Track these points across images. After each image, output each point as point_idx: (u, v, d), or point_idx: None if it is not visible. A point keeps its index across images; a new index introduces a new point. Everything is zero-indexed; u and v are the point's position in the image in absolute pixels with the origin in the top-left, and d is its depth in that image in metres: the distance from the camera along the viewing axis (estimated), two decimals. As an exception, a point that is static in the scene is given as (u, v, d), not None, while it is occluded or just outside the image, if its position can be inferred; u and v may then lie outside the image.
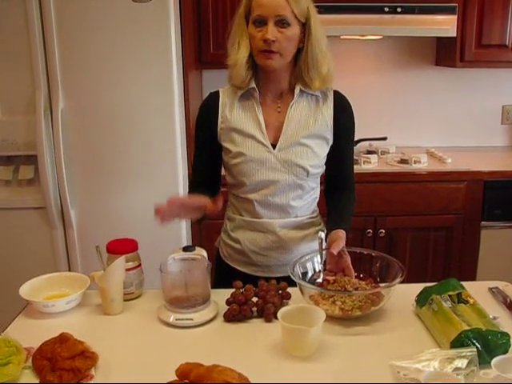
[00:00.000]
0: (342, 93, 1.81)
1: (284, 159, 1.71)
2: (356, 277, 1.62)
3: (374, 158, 3.18)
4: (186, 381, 1.16)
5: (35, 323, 1.54)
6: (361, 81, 3.61)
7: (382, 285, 1.59)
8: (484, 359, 1.24)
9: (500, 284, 1.71)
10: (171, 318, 1.50)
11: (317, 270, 1.68)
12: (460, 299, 1.44)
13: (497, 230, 3.13)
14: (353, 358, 1.34)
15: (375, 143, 3.48)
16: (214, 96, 1.79)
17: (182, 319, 1.49)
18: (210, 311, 1.53)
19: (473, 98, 3.67)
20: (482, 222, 3.12)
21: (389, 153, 3.39)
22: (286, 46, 1.63)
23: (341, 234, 1.65)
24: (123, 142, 2.76)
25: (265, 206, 1.75)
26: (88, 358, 1.27)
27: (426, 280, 1.64)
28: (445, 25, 3.07)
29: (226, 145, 1.75)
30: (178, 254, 1.62)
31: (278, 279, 1.66)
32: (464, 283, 1.54)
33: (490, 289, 1.68)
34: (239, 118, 1.73)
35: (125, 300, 1.61)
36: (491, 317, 1.39)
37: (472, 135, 3.71)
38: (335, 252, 1.57)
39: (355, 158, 3.11)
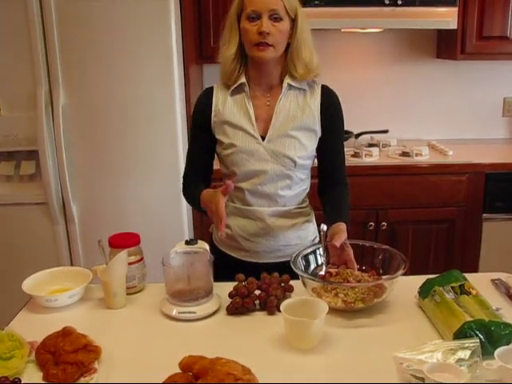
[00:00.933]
0: (331, 87, 1.87)
1: (272, 150, 1.77)
2: (358, 269, 1.63)
3: (375, 150, 3.17)
4: (190, 373, 1.16)
5: (38, 317, 1.54)
6: (361, 74, 3.60)
7: (384, 277, 1.59)
8: (487, 350, 1.24)
9: (503, 275, 1.71)
10: (174, 312, 1.50)
11: (319, 262, 1.68)
12: (463, 290, 1.44)
13: (498, 222, 3.12)
14: (356, 350, 1.34)
15: (376, 136, 3.47)
16: (209, 91, 1.86)
17: (185, 312, 1.49)
18: (213, 304, 1.53)
19: (474, 90, 3.65)
20: (484, 215, 3.12)
21: (390, 146, 3.39)
22: (280, 39, 1.70)
23: (342, 226, 1.69)
24: (124, 137, 2.76)
25: (255, 194, 1.81)
26: (91, 351, 1.27)
27: (427, 272, 1.64)
28: (445, 17, 3.06)
29: (219, 137, 1.82)
30: (181, 248, 1.62)
31: (266, 264, 1.77)
32: (466, 275, 1.54)
33: (493, 280, 1.68)
34: (231, 112, 1.80)
35: (127, 294, 1.61)
36: (494, 308, 1.39)
37: (473, 127, 3.70)
38: (338, 244, 1.60)
39: (357, 150, 3.13)
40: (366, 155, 3.12)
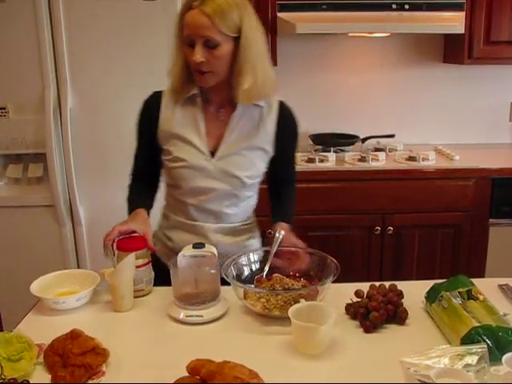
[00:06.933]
0: (287, 104, 1.80)
1: (221, 168, 1.71)
2: (293, 276, 1.63)
3: (381, 155, 3.17)
4: (197, 377, 1.16)
5: (46, 320, 1.55)
6: (368, 78, 3.60)
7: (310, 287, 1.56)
8: (495, 356, 1.23)
9: (510, 281, 1.71)
10: (181, 315, 1.50)
11: (253, 268, 1.69)
12: (470, 296, 1.43)
13: (505, 228, 3.11)
14: (363, 355, 1.34)
15: (383, 141, 3.47)
16: (157, 96, 1.75)
17: (192, 316, 1.50)
18: (220, 308, 1.53)
19: (481, 94, 3.65)
20: (491, 220, 3.11)
21: (396, 150, 3.39)
22: (217, 65, 1.59)
23: (285, 226, 1.70)
24: (131, 140, 2.75)
25: (200, 210, 1.76)
26: (99, 354, 1.27)
27: (434, 277, 1.63)
28: (452, 21, 3.06)
29: (165, 147, 1.74)
30: (188, 251, 1.62)
31: None
32: (473, 280, 1.54)
33: (500, 285, 1.68)
34: (179, 123, 1.71)
35: (135, 297, 1.62)
36: (501, 313, 1.39)
37: (480, 132, 3.70)
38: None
39: (363, 155, 3.13)
40: (372, 159, 3.12)
